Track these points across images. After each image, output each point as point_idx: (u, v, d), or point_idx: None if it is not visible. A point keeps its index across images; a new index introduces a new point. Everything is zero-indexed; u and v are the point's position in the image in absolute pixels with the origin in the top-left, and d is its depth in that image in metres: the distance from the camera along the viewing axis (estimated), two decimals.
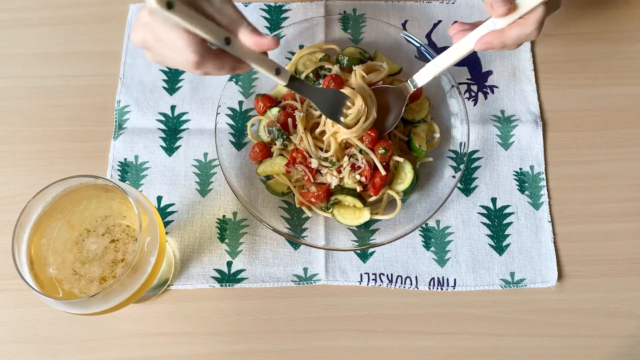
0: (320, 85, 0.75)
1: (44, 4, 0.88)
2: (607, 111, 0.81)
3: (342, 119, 0.71)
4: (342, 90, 0.72)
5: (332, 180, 0.73)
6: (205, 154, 0.79)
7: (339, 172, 0.73)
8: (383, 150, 0.71)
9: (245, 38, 0.56)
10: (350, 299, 0.72)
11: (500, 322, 0.71)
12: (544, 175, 0.77)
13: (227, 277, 0.73)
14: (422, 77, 0.70)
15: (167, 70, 0.84)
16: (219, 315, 0.71)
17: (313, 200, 0.72)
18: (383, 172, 0.71)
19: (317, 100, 0.68)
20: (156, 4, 0.48)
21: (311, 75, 0.78)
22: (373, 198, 0.74)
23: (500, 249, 0.74)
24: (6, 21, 0.87)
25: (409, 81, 0.71)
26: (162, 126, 0.81)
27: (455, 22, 0.66)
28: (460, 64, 0.83)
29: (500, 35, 0.61)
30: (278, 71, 0.61)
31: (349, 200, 0.72)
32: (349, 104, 0.71)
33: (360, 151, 0.72)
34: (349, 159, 0.72)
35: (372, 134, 0.72)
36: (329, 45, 0.82)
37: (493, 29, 0.62)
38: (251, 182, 0.76)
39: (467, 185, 0.77)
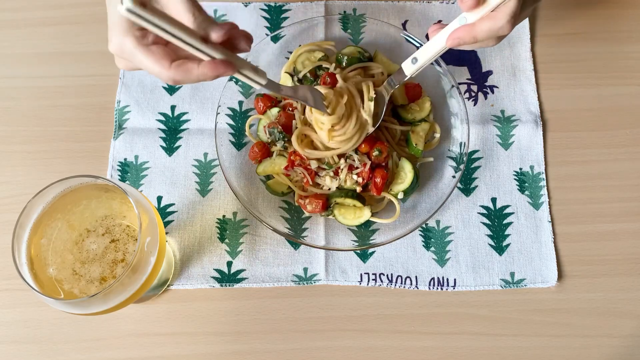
0: (318, 83, 0.75)
1: (43, 4, 0.88)
2: (607, 111, 0.81)
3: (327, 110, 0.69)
4: (319, 88, 0.70)
5: (331, 183, 0.73)
6: (205, 154, 0.79)
7: (337, 173, 0.73)
8: (377, 152, 0.72)
9: (215, 35, 0.52)
10: (350, 299, 0.72)
11: (500, 322, 0.71)
12: (544, 175, 0.77)
13: (227, 277, 0.73)
14: (398, 76, 0.69)
15: None
16: (219, 315, 0.71)
17: (311, 211, 0.73)
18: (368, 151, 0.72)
19: (297, 96, 0.66)
20: (132, 3, 0.45)
21: (308, 75, 0.78)
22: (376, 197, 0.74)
23: (500, 249, 0.74)
24: (6, 21, 0.87)
25: (386, 82, 0.71)
26: (162, 126, 0.81)
27: (435, 23, 0.64)
28: (460, 64, 0.84)
29: (471, 30, 0.58)
30: (255, 72, 0.57)
31: (348, 201, 0.72)
32: (324, 98, 0.70)
33: (356, 151, 0.72)
34: (346, 160, 0.72)
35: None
36: (326, 44, 0.82)
37: (464, 23, 0.59)
38: (251, 182, 0.76)
39: (467, 185, 0.77)
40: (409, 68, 0.67)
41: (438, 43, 0.62)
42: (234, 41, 0.55)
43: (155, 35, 0.51)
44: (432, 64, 0.78)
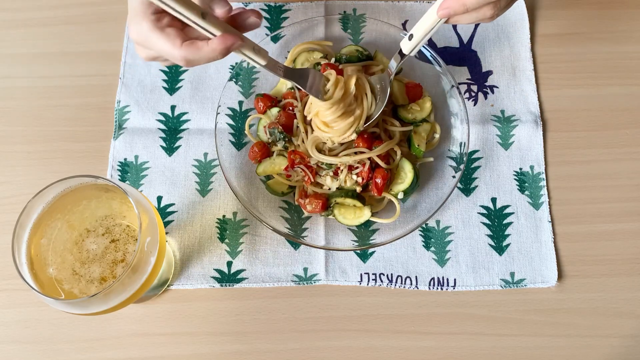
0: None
1: (44, 4, 0.88)
2: (607, 111, 0.81)
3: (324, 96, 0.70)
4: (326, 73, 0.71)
5: (331, 183, 0.73)
6: (205, 154, 0.79)
7: (336, 174, 0.73)
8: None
9: (219, 10, 0.56)
10: (350, 299, 0.72)
11: (500, 322, 0.71)
12: (544, 175, 0.77)
13: (227, 277, 0.73)
14: (397, 58, 0.68)
15: (167, 70, 0.84)
16: (219, 315, 0.71)
17: (311, 211, 0.73)
18: (382, 164, 0.72)
19: (297, 80, 0.67)
20: None
21: None
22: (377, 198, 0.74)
23: (500, 249, 0.74)
24: (6, 21, 0.87)
25: (388, 66, 0.71)
26: (162, 126, 0.81)
27: None
28: (460, 64, 0.84)
29: None
30: (257, 51, 0.61)
31: (348, 201, 0.72)
32: (325, 81, 0.70)
33: (356, 153, 0.73)
34: None
35: (365, 135, 0.72)
36: (324, 43, 0.82)
37: None
38: (251, 182, 0.76)
39: (467, 185, 0.77)
40: (406, 45, 0.65)
41: (431, 16, 0.61)
42: (242, 19, 0.58)
43: (170, 18, 0.54)
44: (432, 63, 0.78)
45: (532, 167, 0.78)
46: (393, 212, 0.74)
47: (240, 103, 0.80)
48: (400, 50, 0.67)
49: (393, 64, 0.70)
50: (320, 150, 0.73)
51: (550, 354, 0.69)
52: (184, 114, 0.81)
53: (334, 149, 0.73)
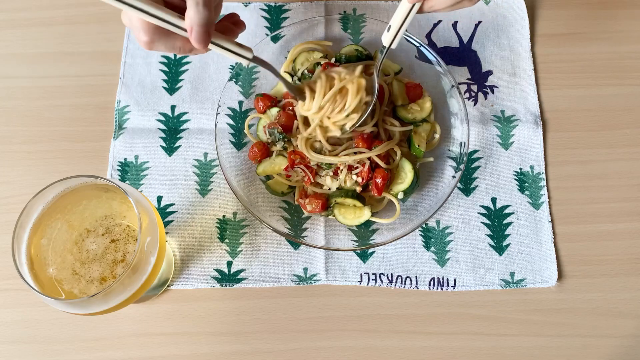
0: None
1: (43, 4, 0.88)
2: (607, 111, 0.81)
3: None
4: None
5: (331, 183, 0.73)
6: (205, 154, 0.79)
7: (336, 174, 0.73)
8: None
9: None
10: (350, 299, 0.72)
11: (500, 322, 0.71)
12: (544, 175, 0.77)
13: (227, 277, 0.73)
14: (380, 51, 0.68)
15: (167, 70, 0.84)
16: (219, 315, 0.71)
17: (311, 211, 0.73)
18: (382, 164, 0.72)
19: (278, 75, 0.67)
20: None
21: (306, 71, 0.78)
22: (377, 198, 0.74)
23: (500, 249, 0.74)
24: (6, 21, 0.87)
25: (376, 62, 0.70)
26: (162, 126, 0.81)
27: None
28: (460, 64, 0.84)
29: None
30: (240, 47, 0.61)
31: (348, 201, 0.73)
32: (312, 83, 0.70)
33: (355, 153, 0.73)
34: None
35: (365, 135, 0.72)
36: (324, 43, 0.82)
37: None
38: (251, 182, 0.76)
39: (467, 185, 0.77)
40: (386, 37, 0.65)
41: (404, 4, 0.60)
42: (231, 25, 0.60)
43: None
44: (432, 63, 0.78)
45: (532, 167, 0.78)
46: (393, 212, 0.74)
47: (240, 103, 0.80)
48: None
49: (379, 57, 0.69)
50: (319, 151, 0.73)
51: (550, 354, 0.69)
52: (184, 114, 0.81)
53: (334, 149, 0.73)
